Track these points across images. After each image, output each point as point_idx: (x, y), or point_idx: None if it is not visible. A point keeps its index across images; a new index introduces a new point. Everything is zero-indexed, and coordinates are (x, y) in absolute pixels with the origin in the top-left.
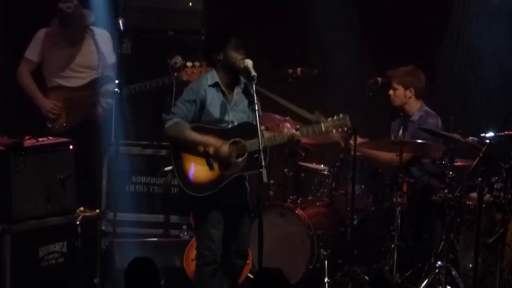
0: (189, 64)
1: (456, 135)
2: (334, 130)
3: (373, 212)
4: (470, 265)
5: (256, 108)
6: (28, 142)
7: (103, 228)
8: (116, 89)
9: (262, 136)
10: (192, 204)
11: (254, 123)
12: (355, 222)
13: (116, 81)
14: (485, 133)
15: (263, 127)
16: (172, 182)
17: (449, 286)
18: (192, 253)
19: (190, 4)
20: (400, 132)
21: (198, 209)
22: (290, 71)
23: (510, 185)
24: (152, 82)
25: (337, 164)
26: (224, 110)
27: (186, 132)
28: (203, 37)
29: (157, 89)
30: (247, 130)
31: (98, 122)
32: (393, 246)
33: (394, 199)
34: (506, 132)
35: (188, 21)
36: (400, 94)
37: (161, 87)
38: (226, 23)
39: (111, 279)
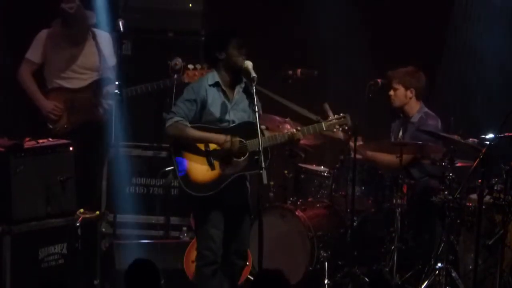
0: (190, 66)
1: (456, 137)
2: (334, 129)
3: (373, 214)
4: (470, 267)
5: (256, 109)
6: (28, 143)
7: (103, 229)
8: (116, 91)
9: (263, 135)
10: (193, 204)
11: (255, 123)
12: (355, 224)
13: (116, 83)
14: (485, 134)
15: (264, 127)
16: (172, 184)
17: (449, 287)
18: (192, 254)
19: (190, 5)
20: (400, 133)
21: (198, 209)
22: (290, 72)
23: (510, 186)
24: (154, 84)
25: (337, 165)
26: (225, 109)
27: (187, 130)
28: (203, 38)
29: (158, 91)
30: (248, 129)
31: (99, 124)
32: (393, 247)
33: (394, 201)
34: (506, 134)
35: (188, 22)
36: (400, 94)
37: (162, 89)
38: (226, 24)
39: (111, 281)
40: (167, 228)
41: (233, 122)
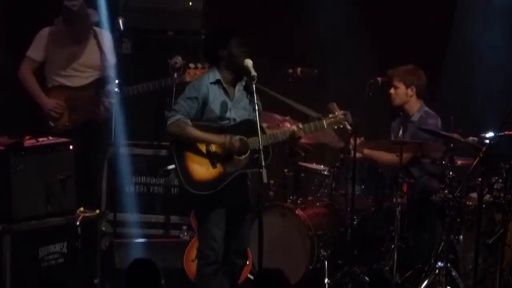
0: (191, 65)
1: (456, 135)
2: (336, 127)
3: (373, 213)
4: (470, 266)
5: (256, 108)
6: (28, 142)
7: (103, 228)
8: (116, 89)
9: (264, 133)
10: (194, 202)
11: (256, 121)
12: (355, 223)
13: (116, 81)
14: (485, 133)
15: (265, 125)
16: (173, 182)
17: (449, 286)
18: (192, 253)
19: (190, 4)
20: (400, 132)
21: (200, 208)
22: (290, 71)
23: (510, 185)
24: (155, 83)
25: (337, 164)
26: (226, 107)
27: (188, 129)
28: (203, 37)
29: (159, 90)
30: (248, 127)
31: (99, 122)
32: (393, 246)
33: (394, 200)
34: (506, 132)
35: (188, 21)
36: (401, 92)
37: (163, 88)
38: (226, 23)
39: (111, 280)
40: (167, 227)
41: (234, 120)
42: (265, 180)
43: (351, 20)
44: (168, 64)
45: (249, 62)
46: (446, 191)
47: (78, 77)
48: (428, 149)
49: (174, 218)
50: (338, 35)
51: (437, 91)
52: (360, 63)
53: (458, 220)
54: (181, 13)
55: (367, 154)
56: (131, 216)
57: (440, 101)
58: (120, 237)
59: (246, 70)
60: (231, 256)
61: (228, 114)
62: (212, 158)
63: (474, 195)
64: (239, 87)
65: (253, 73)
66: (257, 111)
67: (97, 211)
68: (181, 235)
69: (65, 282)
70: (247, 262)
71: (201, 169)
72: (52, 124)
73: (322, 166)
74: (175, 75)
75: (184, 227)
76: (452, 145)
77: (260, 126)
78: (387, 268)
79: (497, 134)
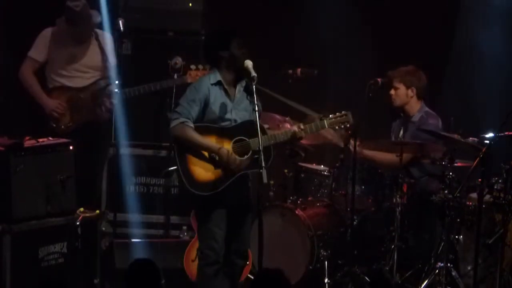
0: (192, 67)
1: (456, 136)
2: (336, 127)
3: (373, 213)
4: (470, 266)
5: (256, 108)
6: (28, 142)
7: (103, 228)
8: (117, 90)
9: (265, 134)
10: (195, 203)
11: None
12: (355, 223)
13: (116, 82)
14: (485, 133)
15: (266, 126)
16: (173, 183)
17: (449, 286)
18: (192, 253)
19: (190, 4)
20: (401, 132)
21: (201, 208)
22: (290, 71)
23: (510, 185)
24: (157, 84)
25: (337, 164)
26: (226, 108)
27: (191, 134)
28: (203, 38)
29: (160, 91)
30: (249, 128)
31: (101, 123)
32: (393, 246)
33: (394, 200)
34: (506, 133)
35: (188, 22)
36: (401, 93)
37: (164, 89)
38: (226, 24)
39: (111, 280)
40: (167, 227)
41: (235, 121)
42: (265, 180)
43: (351, 20)
44: (168, 65)
45: (249, 63)
46: (446, 191)
47: (80, 77)
48: (428, 149)
49: (174, 218)
50: (338, 35)
51: (437, 91)
52: (360, 63)
53: (458, 220)
54: (181, 14)
55: (367, 155)
56: (131, 216)
57: (440, 101)
58: (120, 237)
59: (246, 71)
60: (232, 256)
61: (228, 115)
62: (214, 158)
63: (474, 195)
64: (240, 88)
65: (253, 74)
66: (257, 112)
67: (97, 211)
68: (181, 235)
69: (65, 282)
70: (247, 262)
71: (203, 170)
72: (53, 125)
73: (322, 166)
74: (175, 75)
75: (184, 227)
76: (452, 145)
77: (261, 127)
78: (387, 268)
79: (497, 134)
